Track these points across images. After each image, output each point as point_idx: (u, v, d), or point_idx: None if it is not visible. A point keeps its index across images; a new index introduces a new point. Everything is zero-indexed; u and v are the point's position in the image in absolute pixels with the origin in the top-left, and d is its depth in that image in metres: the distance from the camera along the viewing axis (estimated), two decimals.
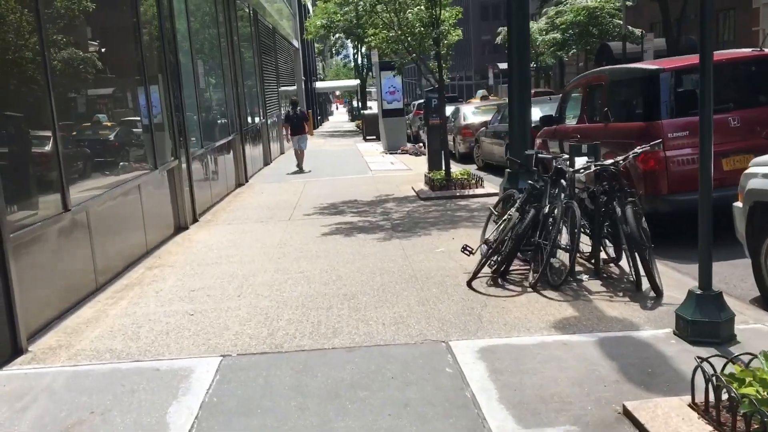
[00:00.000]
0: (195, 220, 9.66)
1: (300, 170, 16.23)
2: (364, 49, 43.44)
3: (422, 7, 10.79)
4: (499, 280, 5.70)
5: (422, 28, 10.95)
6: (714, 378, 2.95)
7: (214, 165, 11.73)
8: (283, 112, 23.78)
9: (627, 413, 3.22)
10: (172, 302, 5.53)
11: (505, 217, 5.94)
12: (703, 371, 3.02)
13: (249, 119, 16.57)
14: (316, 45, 53.72)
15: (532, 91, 37.26)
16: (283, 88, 25.86)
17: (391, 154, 20.38)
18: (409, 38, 11.06)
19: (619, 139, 7.05)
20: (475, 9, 69.66)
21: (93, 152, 6.63)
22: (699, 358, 3.10)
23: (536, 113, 13.01)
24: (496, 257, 5.81)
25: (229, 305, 5.37)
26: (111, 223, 6.50)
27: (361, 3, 11.12)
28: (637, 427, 3.09)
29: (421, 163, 16.83)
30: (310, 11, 47.86)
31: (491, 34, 57.22)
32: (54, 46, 5.62)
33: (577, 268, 5.75)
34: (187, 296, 5.70)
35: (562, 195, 5.89)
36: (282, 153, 23.06)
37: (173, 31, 9.32)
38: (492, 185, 11.58)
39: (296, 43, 34.90)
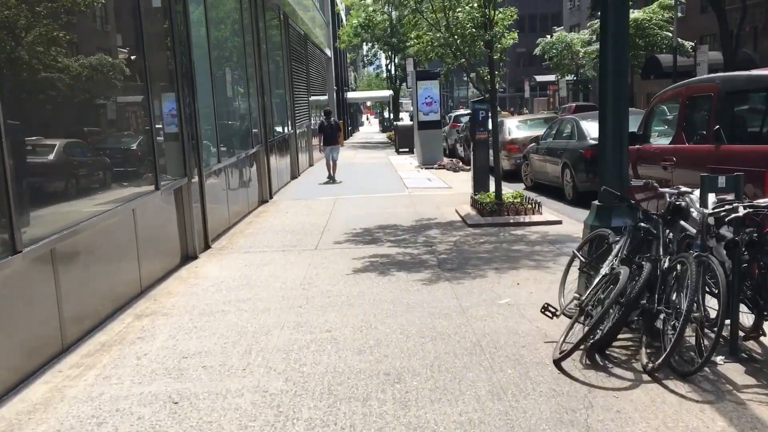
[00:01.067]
0: (207, 247, 8.30)
1: (332, 180, 15.93)
2: (397, 59, 42.17)
3: (474, 5, 9.34)
4: (598, 357, 4.18)
5: (473, 30, 9.49)
6: None
7: (234, 181, 10.40)
8: (313, 122, 22.60)
9: None
10: (155, 378, 4.12)
11: (605, 271, 4.42)
12: None
13: (276, 129, 15.28)
14: (348, 54, 52.68)
15: (573, 105, 35.48)
16: (314, 98, 24.63)
17: (426, 169, 18.96)
18: (458, 41, 9.60)
19: (738, 165, 5.48)
20: None
21: (66, 171, 5.29)
22: None
23: (593, 129, 11.47)
24: (591, 324, 4.28)
25: (229, 386, 3.94)
26: (89, 261, 5.15)
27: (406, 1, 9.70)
28: None
29: (460, 181, 15.37)
30: (344, 21, 46.81)
31: (526, 46, 55.50)
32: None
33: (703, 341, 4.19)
34: (176, 367, 4.28)
35: (677, 242, 4.38)
36: (311, 165, 21.78)
37: (188, 35, 7.99)
38: (550, 211, 10.03)
39: (329, 52, 33.76)
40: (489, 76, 9.89)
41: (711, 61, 27.31)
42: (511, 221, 9.30)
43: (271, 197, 13.36)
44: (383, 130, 53.32)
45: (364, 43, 42.03)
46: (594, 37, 34.27)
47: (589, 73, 40.46)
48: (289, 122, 17.98)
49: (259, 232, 9.45)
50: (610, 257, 4.63)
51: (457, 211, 10.49)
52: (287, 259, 7.56)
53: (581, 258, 5.14)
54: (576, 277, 5.30)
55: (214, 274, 6.99)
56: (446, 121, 26.52)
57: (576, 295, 4.60)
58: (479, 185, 11.29)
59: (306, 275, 6.74)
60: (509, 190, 11.24)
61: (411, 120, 28.66)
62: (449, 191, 13.55)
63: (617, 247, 4.66)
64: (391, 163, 21.71)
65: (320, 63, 29.55)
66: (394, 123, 33.63)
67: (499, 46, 9.99)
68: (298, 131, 19.10)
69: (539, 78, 56.45)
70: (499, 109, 29.37)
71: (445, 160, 19.91)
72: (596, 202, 5.34)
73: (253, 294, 6.08)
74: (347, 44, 39.20)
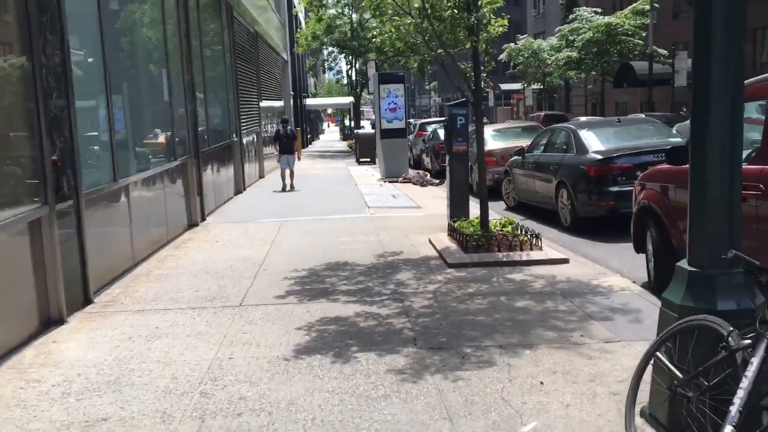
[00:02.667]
0: (86, 302, 5.90)
1: (290, 189, 15.43)
2: (358, 64, 40.06)
3: None
4: None
5: (455, 11, 7.34)
6: None
7: (143, 203, 8.00)
8: (264, 129, 20.26)
9: None
10: None
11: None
12: None
13: (214, 137, 12.87)
14: (307, 60, 50.32)
15: (541, 114, 33.96)
16: (266, 103, 22.21)
17: (390, 182, 16.83)
18: (435, 24, 7.43)
19: None
20: None
21: None
22: None
23: (595, 140, 9.43)
24: None
25: None
26: None
27: None
28: None
29: (430, 198, 13.24)
30: (302, 24, 44.43)
31: None
32: None
33: None
34: None
35: None
36: (261, 177, 19.41)
37: (60, 20, 5.62)
38: (549, 244, 7.90)
39: (285, 56, 31.38)
40: (472, 73, 7.76)
41: (689, 69, 25.92)
42: (504, 260, 7.14)
43: (203, 219, 10.95)
44: (344, 138, 51.11)
45: (324, 47, 39.87)
46: (563, 42, 32.68)
47: (555, 81, 39.03)
48: (234, 128, 15.58)
49: (171, 275, 7.07)
50: (746, 384, 2.47)
51: (431, 242, 8.30)
52: (195, 326, 5.21)
53: (672, 369, 2.96)
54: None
55: (75, 356, 4.60)
56: (411, 130, 24.48)
57: None
58: (457, 208, 9.12)
59: (215, 360, 4.43)
60: (501, 217, 9.11)
61: (372, 128, 26.58)
62: (419, 212, 11.37)
63: (756, 362, 2.51)
64: (350, 175, 19.50)
65: (275, 65, 27.15)
66: (355, 131, 31.45)
67: (485, 35, 7.86)
68: (245, 139, 16.71)
69: (504, 86, 55.00)
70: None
71: (411, 172, 17.82)
72: (686, 266, 3.17)
73: (117, 407, 3.73)
74: (305, 48, 36.94)
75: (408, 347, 4.55)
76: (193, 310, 5.68)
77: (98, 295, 6.17)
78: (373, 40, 9.58)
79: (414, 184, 16.30)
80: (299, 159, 17.18)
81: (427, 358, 4.33)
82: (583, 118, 24.78)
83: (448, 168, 9.32)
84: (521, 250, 7.36)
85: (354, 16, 35.51)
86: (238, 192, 15.21)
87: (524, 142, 12.76)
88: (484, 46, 7.82)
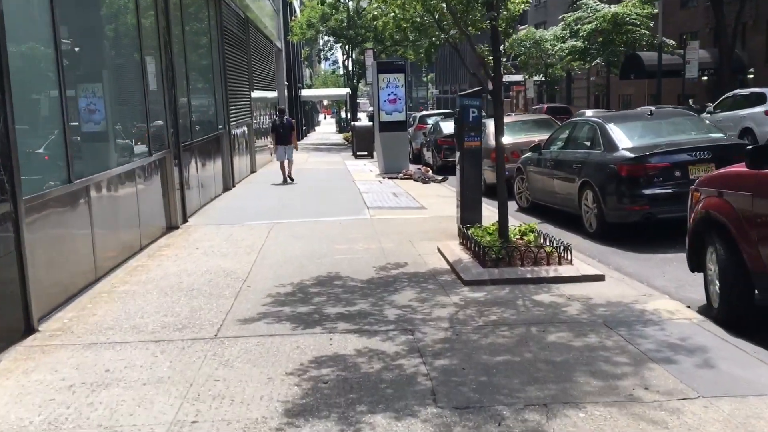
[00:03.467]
0: (28, 332, 4.84)
1: (289, 180, 15.32)
2: (355, 54, 38.88)
3: None
4: None
5: None
6: None
7: (108, 206, 6.92)
8: (254, 121, 19.18)
9: None
10: None
11: None
12: None
13: (196, 129, 11.77)
14: (303, 49, 49.06)
15: (544, 106, 32.75)
16: (259, 93, 21.07)
17: (390, 178, 15.79)
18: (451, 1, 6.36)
19: None
20: None
21: None
22: None
23: (625, 136, 8.35)
24: None
25: None
26: None
27: None
28: None
29: (435, 197, 12.22)
30: (297, 12, 43.16)
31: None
32: None
33: None
34: None
35: None
36: (253, 171, 18.35)
37: None
38: (576, 255, 6.84)
39: (279, 44, 30.18)
40: (490, 57, 6.71)
41: (701, 59, 24.89)
42: (528, 275, 6.10)
43: (185, 220, 9.88)
44: (340, 130, 50.05)
45: (320, 36, 38.68)
46: (568, 32, 31.58)
47: (558, 72, 37.90)
48: (222, 120, 14.48)
49: (138, 292, 6.00)
50: None
51: (440, 252, 7.26)
52: (155, 369, 4.16)
53: None
54: None
55: None
56: (410, 123, 23.42)
57: None
58: (469, 213, 8.08)
59: (173, 426, 3.37)
60: (521, 223, 8.08)
61: (370, 120, 25.54)
62: (423, 214, 10.32)
63: None
64: (347, 170, 18.45)
65: (268, 54, 25.96)
66: (352, 123, 30.40)
67: (504, 13, 6.80)
68: (234, 132, 15.61)
69: (504, 78, 53.84)
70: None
71: (412, 168, 16.77)
72: None
73: None
74: (300, 37, 35.72)
75: (427, 406, 3.51)
76: (157, 344, 4.62)
77: (45, 321, 5.12)
78: (374, 23, 8.44)
79: (415, 180, 15.28)
80: (296, 149, 16.45)
81: (453, 425, 3.29)
82: (588, 111, 23.77)
83: (458, 166, 8.28)
84: (548, 264, 6.31)
85: (351, 4, 34.37)
86: (226, 189, 14.14)
87: (536, 137, 11.73)
88: (504, 26, 6.77)
